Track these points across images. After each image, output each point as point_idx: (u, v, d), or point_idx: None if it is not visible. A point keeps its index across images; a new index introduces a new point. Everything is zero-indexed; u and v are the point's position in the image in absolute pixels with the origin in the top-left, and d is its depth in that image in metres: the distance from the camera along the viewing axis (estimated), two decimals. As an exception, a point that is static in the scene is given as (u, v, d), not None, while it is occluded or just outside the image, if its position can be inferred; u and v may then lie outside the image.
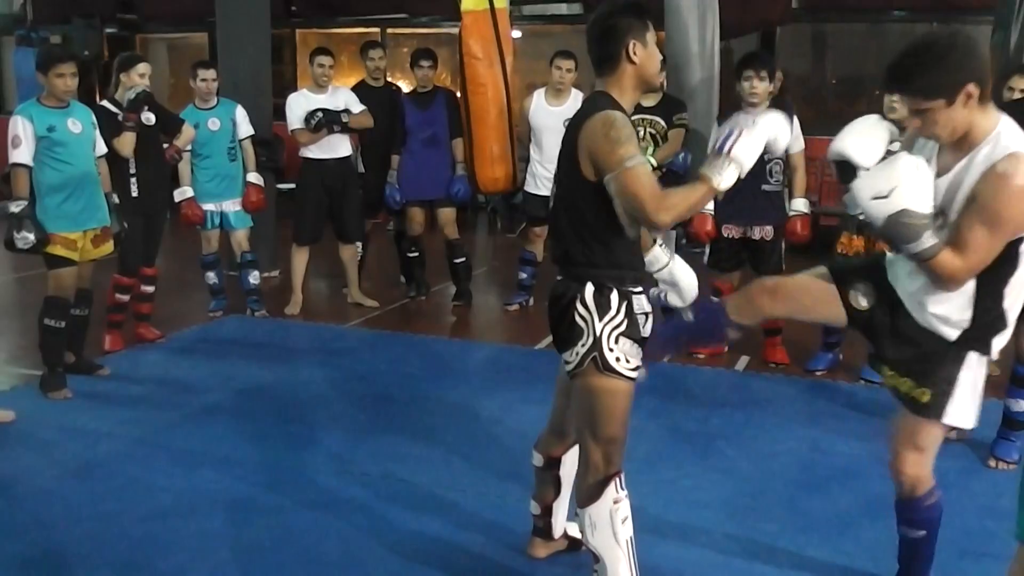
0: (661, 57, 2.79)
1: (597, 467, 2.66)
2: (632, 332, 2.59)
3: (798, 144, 5.07)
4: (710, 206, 5.10)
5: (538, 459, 3.02)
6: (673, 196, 2.46)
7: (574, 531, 3.04)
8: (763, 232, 5.12)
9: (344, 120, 6.18)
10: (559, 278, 2.68)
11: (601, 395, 2.61)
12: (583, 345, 2.57)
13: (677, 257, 2.89)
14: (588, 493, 2.67)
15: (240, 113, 6.15)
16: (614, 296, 2.57)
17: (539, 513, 3.07)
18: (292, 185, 6.90)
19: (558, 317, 2.65)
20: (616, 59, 2.57)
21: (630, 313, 2.59)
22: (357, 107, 6.27)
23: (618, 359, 2.57)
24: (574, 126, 2.57)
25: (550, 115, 6.04)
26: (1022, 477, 0.93)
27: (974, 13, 8.91)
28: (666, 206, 2.42)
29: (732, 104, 5.27)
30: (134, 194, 5.27)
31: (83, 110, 4.72)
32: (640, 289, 2.65)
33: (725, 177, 2.50)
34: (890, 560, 3.12)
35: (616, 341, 2.57)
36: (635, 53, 2.57)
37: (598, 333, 2.56)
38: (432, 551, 3.16)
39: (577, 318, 2.57)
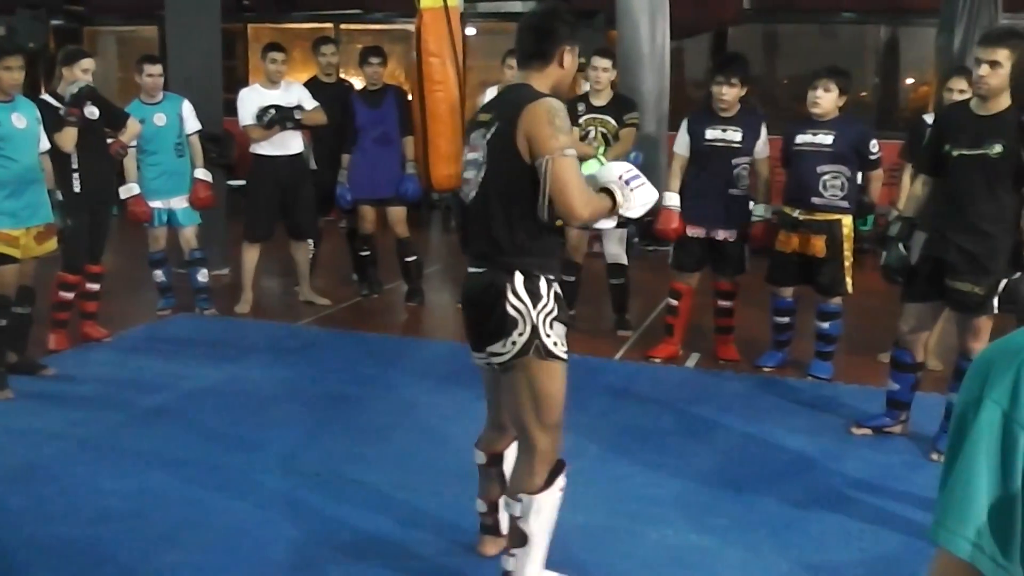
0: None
1: (546, 454, 2.69)
2: (561, 316, 2.66)
3: (765, 151, 5.13)
4: (677, 203, 5.14)
5: (481, 457, 3.02)
6: (593, 197, 2.63)
7: None
8: (727, 235, 5.15)
9: (297, 117, 6.13)
10: (478, 270, 2.67)
11: (545, 381, 2.64)
12: (520, 335, 2.58)
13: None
14: (538, 481, 2.68)
15: (187, 108, 6.07)
16: (542, 283, 2.62)
17: (486, 511, 3.07)
18: (243, 182, 6.82)
19: (485, 310, 2.63)
20: (548, 59, 2.65)
21: (557, 298, 2.65)
22: (310, 103, 6.21)
23: (555, 344, 2.63)
24: (509, 111, 2.58)
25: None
26: (940, 479, 0.95)
27: (920, 15, 9.10)
28: (588, 202, 2.57)
29: (695, 104, 5.31)
30: (77, 190, 5.16)
31: (27, 105, 4.62)
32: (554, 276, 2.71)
33: (628, 208, 2.68)
34: (838, 552, 3.19)
35: (551, 327, 2.62)
36: (566, 59, 2.67)
37: (535, 321, 2.59)
38: (384, 551, 3.14)
39: (510, 309, 2.58)
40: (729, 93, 5.02)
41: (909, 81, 10.31)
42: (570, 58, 2.68)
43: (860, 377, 5.04)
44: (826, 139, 4.78)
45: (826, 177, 4.78)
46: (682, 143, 5.19)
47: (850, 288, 4.92)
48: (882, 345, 5.30)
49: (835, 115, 4.83)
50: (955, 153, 3.79)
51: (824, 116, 4.81)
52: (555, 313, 2.63)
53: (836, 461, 3.98)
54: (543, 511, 2.69)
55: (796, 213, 4.89)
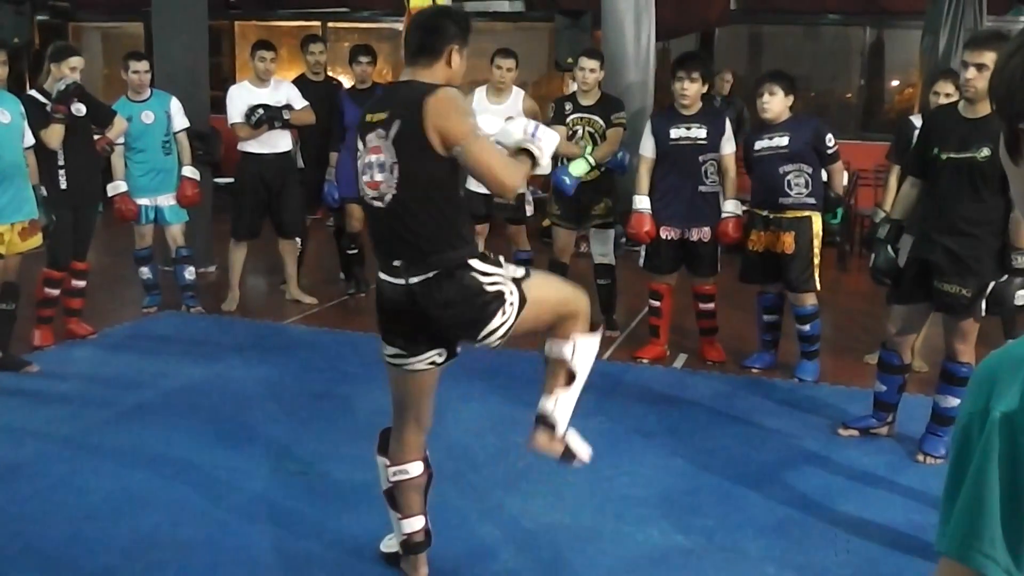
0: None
1: (584, 313, 2.83)
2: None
3: (729, 146, 5.14)
4: (647, 205, 5.15)
5: (417, 468, 2.90)
6: (514, 163, 2.63)
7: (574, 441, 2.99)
8: (700, 233, 5.16)
9: (285, 116, 6.10)
10: (427, 276, 2.59)
11: (543, 286, 2.77)
12: (511, 293, 2.63)
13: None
14: (583, 328, 2.83)
15: (175, 105, 6.03)
16: (487, 254, 2.67)
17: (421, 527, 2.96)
18: (230, 179, 6.79)
19: (465, 307, 2.60)
20: (437, 55, 2.64)
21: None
22: (299, 103, 6.19)
23: (521, 280, 2.68)
24: (408, 108, 2.54)
25: (492, 113, 6.00)
26: (944, 489, 0.94)
27: (905, 17, 9.15)
28: (514, 172, 2.59)
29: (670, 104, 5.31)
30: (63, 186, 5.14)
31: (11, 100, 4.59)
32: None
33: (544, 158, 2.69)
34: (824, 553, 3.20)
35: (518, 274, 2.69)
36: (453, 58, 2.67)
37: (507, 275, 2.65)
38: (370, 550, 3.13)
39: (488, 288, 2.60)
40: (690, 88, 5.04)
41: (894, 83, 10.37)
42: (458, 58, 2.67)
43: (846, 378, 5.06)
44: (782, 140, 4.83)
45: (790, 176, 4.83)
46: (647, 145, 5.20)
47: (818, 284, 4.95)
48: (869, 346, 5.33)
49: (787, 116, 4.88)
50: (943, 156, 3.81)
51: (776, 119, 4.87)
52: (511, 268, 2.69)
53: (822, 462, 3.99)
54: (588, 354, 2.84)
55: (765, 213, 4.92)
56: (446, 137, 2.50)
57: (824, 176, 4.92)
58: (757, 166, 4.95)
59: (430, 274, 2.60)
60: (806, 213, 4.85)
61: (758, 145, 4.91)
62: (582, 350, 2.83)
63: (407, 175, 2.56)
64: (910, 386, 4.31)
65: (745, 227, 5.08)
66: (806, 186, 4.83)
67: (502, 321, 2.63)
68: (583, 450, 2.96)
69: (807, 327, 5.02)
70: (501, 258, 2.70)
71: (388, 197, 2.60)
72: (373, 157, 2.61)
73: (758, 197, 4.99)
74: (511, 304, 2.63)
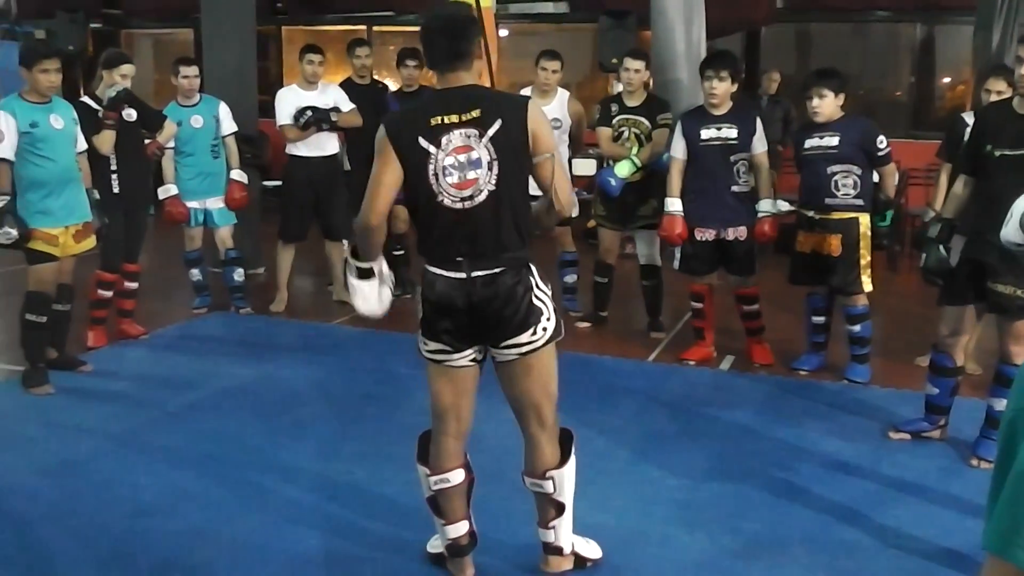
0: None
1: (554, 424, 2.87)
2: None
3: (761, 144, 5.08)
4: (679, 207, 5.11)
5: (459, 475, 2.92)
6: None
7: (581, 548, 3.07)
8: (736, 233, 5.10)
9: (333, 119, 6.17)
10: (492, 272, 2.66)
11: (553, 359, 2.83)
12: (548, 319, 2.74)
13: None
14: (558, 453, 2.88)
15: (223, 110, 6.12)
16: (538, 271, 2.78)
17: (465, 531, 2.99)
18: (278, 182, 6.87)
19: (516, 306, 2.68)
20: (472, 56, 2.72)
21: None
22: (346, 105, 6.25)
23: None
24: (508, 110, 2.65)
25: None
26: (990, 488, 0.93)
27: (956, 14, 8.98)
28: (572, 196, 2.77)
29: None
30: (115, 190, 5.24)
31: (65, 106, 4.69)
32: None
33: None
34: (873, 559, 3.15)
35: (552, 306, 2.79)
36: (480, 51, 2.78)
37: (552, 306, 2.77)
38: (414, 551, 3.14)
39: (535, 300, 2.71)
40: (719, 88, 4.98)
41: (945, 80, 10.18)
42: (480, 53, 2.79)
43: (898, 381, 4.98)
44: (832, 140, 4.75)
45: (837, 177, 4.75)
46: (678, 146, 5.13)
47: (868, 286, 4.86)
48: (920, 348, 5.23)
49: (838, 116, 4.78)
50: (996, 153, 3.73)
51: (828, 121, 4.78)
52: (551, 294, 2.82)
53: (872, 466, 3.93)
54: (570, 479, 2.90)
55: (811, 213, 4.85)
56: (537, 142, 2.65)
57: (875, 177, 4.84)
58: (805, 165, 4.89)
59: (496, 269, 2.67)
60: (853, 214, 4.78)
61: (807, 144, 4.84)
62: (563, 481, 2.89)
63: (506, 173, 2.64)
64: (963, 389, 4.23)
65: (793, 228, 5.01)
66: (854, 187, 4.76)
67: (534, 338, 2.73)
68: (592, 551, 3.09)
69: (857, 327, 4.94)
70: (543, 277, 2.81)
71: (482, 196, 2.64)
72: (461, 157, 2.63)
73: (805, 197, 4.92)
74: (543, 329, 2.73)
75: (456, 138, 2.63)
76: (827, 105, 4.75)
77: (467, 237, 2.67)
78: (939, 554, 3.18)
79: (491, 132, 2.62)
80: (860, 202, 4.78)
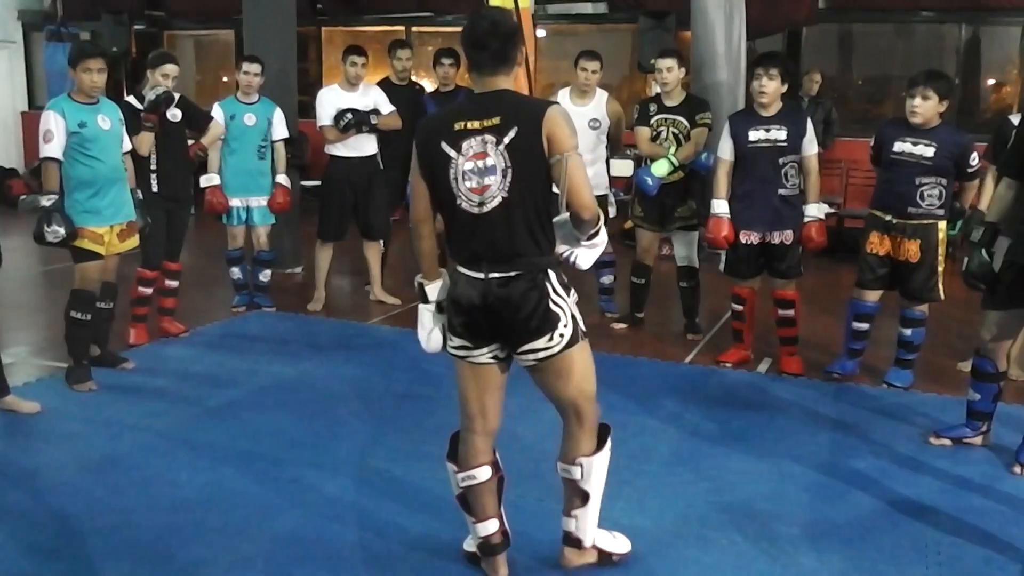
0: None
1: (595, 419, 2.90)
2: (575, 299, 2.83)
3: (812, 147, 4.98)
4: (725, 210, 5.05)
5: (486, 472, 2.96)
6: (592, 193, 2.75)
7: (606, 543, 3.07)
8: (783, 237, 5.01)
9: (373, 121, 6.21)
10: (508, 275, 2.68)
11: (587, 359, 2.84)
12: (565, 326, 2.74)
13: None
14: (593, 444, 2.90)
15: (278, 115, 6.20)
16: (563, 276, 2.77)
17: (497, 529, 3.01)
18: (317, 182, 6.93)
19: (526, 312, 2.70)
20: (513, 62, 2.75)
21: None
22: (387, 107, 6.30)
23: (584, 323, 2.84)
24: (526, 117, 2.66)
25: (575, 115, 5.96)
26: None
27: (1003, 14, 8.84)
28: (593, 198, 2.69)
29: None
30: (155, 189, 5.32)
31: (111, 106, 4.76)
32: None
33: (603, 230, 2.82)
34: (913, 565, 3.11)
35: (578, 310, 2.81)
36: (521, 58, 2.80)
37: (572, 311, 2.77)
38: (451, 550, 3.16)
39: (552, 305, 2.72)
40: (769, 86, 4.88)
41: (991, 82, 10.01)
42: (521, 60, 2.82)
43: (939, 386, 4.91)
44: (927, 151, 4.57)
45: (924, 188, 4.62)
46: (725, 148, 5.05)
47: (942, 295, 4.77)
48: (962, 353, 5.16)
49: (936, 123, 4.62)
50: (1042, 156, 3.67)
51: (925, 125, 4.60)
52: (576, 298, 2.82)
53: (912, 472, 3.88)
54: (600, 470, 2.91)
55: (888, 217, 4.76)
56: (552, 143, 2.64)
57: (955, 186, 4.71)
58: (891, 168, 4.70)
59: (511, 273, 2.69)
60: (931, 221, 4.67)
61: (897, 146, 4.65)
62: (592, 470, 2.90)
63: (520, 180, 2.66)
64: (1006, 395, 4.16)
65: (863, 229, 4.91)
66: (939, 197, 4.63)
67: (551, 343, 2.74)
68: (619, 545, 3.09)
69: (909, 331, 4.85)
70: (572, 290, 2.80)
71: (495, 202, 2.67)
72: (479, 163, 2.67)
73: (886, 200, 4.76)
74: (560, 335, 2.74)
75: (476, 144, 2.67)
76: (929, 108, 4.56)
77: (484, 240, 2.71)
78: (981, 559, 3.14)
79: (507, 139, 2.64)
80: (941, 212, 4.67)
